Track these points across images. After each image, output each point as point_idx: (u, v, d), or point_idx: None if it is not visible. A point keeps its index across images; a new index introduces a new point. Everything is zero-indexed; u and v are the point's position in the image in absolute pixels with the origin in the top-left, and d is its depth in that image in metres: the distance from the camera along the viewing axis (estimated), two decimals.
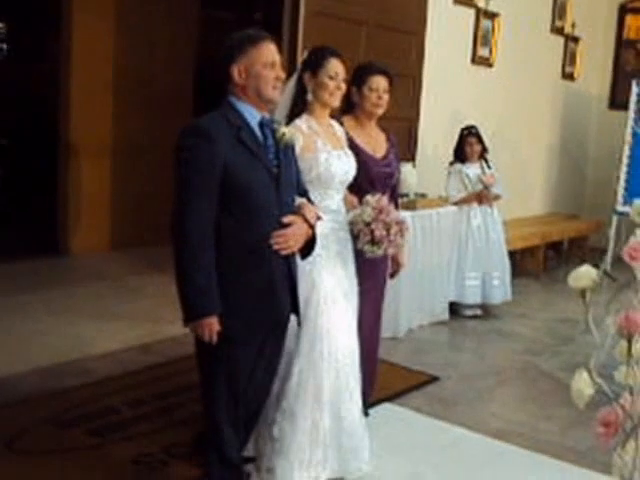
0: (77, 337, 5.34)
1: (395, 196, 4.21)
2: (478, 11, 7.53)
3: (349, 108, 4.02)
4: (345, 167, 3.57)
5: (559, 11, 9.00)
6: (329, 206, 3.52)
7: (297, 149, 3.27)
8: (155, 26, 8.04)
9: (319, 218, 3.19)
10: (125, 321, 5.77)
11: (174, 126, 8.13)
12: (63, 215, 7.74)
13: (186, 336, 5.38)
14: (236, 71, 2.94)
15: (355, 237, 3.55)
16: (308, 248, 3.13)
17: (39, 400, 4.27)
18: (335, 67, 3.58)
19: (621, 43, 10.33)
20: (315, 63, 3.58)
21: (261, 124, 2.99)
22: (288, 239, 2.96)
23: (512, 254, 7.26)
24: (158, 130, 8.08)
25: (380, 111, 4.04)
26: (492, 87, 7.81)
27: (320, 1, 5.77)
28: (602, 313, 1.84)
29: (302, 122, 3.50)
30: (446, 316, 6.44)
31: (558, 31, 9.09)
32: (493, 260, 6.61)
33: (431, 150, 7.26)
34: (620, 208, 8.57)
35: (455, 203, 6.49)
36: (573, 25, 9.27)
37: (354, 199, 3.73)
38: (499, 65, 7.85)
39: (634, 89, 8.57)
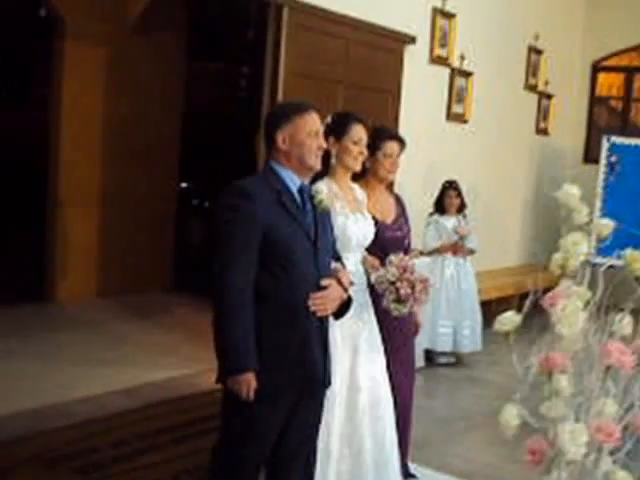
0: (62, 381, 5.53)
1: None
2: (453, 70, 7.85)
3: (361, 174, 4.01)
4: (363, 230, 3.70)
5: (532, 69, 9.35)
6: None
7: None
8: (145, 77, 8.36)
9: (352, 283, 3.30)
10: (108, 367, 5.96)
11: (161, 176, 8.63)
12: (50, 262, 7.96)
13: (167, 381, 5.66)
14: (280, 138, 3.03)
15: (380, 296, 3.61)
16: (341, 311, 3.20)
17: (25, 441, 4.46)
18: (359, 133, 3.72)
19: (594, 100, 10.72)
20: (339, 129, 3.70)
21: (300, 190, 3.08)
22: (325, 301, 3.03)
23: (487, 304, 7.48)
24: (145, 180, 8.36)
25: (393, 177, 4.20)
26: (467, 142, 8.12)
27: (299, 62, 6.04)
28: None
29: (323, 184, 3.54)
30: (421, 363, 6.61)
31: (532, 88, 9.44)
32: (464, 310, 6.85)
33: (407, 204, 7.49)
34: (593, 259, 8.81)
35: (430, 252, 6.74)
36: (546, 83, 9.62)
37: (375, 261, 3.77)
38: (473, 121, 8.17)
39: (604, 144, 8.90)
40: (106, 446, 4.49)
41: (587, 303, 1.98)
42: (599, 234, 2.06)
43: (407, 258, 3.71)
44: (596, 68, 10.60)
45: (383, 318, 3.75)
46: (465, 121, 8.08)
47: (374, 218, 3.89)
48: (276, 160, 3.07)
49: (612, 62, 10.53)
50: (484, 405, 5.82)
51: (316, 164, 3.10)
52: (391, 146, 4.09)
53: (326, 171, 3.92)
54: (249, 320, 2.85)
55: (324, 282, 3.05)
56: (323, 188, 3.39)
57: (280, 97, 5.95)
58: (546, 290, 2.08)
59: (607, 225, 2.07)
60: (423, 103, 7.51)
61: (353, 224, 3.66)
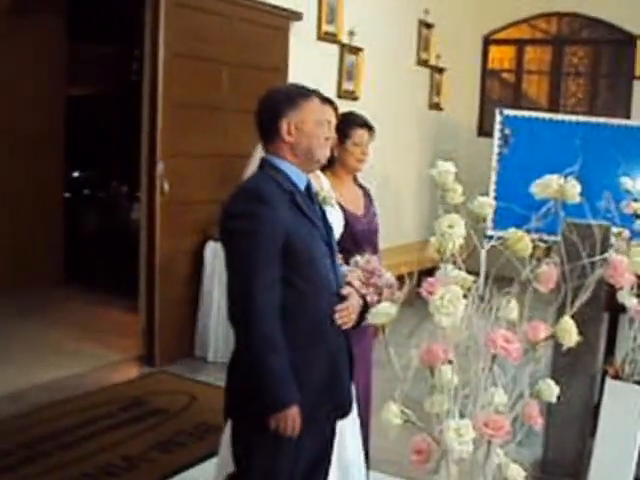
0: None
1: (377, 254, 3.80)
2: (342, 46, 7.68)
3: (328, 163, 3.69)
4: (336, 224, 3.37)
5: (424, 44, 9.28)
6: None
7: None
8: (22, 61, 7.80)
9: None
10: None
11: (45, 165, 8.19)
12: None
13: (53, 383, 5.36)
14: (285, 127, 2.61)
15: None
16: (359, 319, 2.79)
17: None
18: (361, 135, 3.69)
19: (486, 73, 10.73)
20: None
21: (307, 188, 2.73)
22: (350, 312, 2.69)
23: None
24: (26, 170, 7.90)
25: (363, 167, 3.87)
26: None
27: (180, 42, 5.78)
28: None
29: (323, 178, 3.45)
30: None
31: (423, 63, 9.37)
32: None
33: None
34: (490, 232, 8.82)
35: None
36: (438, 57, 9.57)
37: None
38: (365, 98, 8.02)
39: (497, 117, 8.89)
40: None
41: (469, 289, 1.83)
42: (479, 213, 1.90)
43: (374, 259, 3.38)
44: (487, 41, 10.59)
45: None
46: (356, 98, 7.92)
47: (344, 210, 3.63)
48: (277, 154, 2.65)
49: (503, 35, 10.54)
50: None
51: (324, 157, 2.73)
52: (360, 134, 3.78)
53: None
54: (283, 343, 2.50)
55: (344, 291, 2.71)
56: (324, 182, 3.18)
57: (160, 79, 5.68)
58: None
59: (487, 204, 1.91)
60: (312, 81, 7.16)
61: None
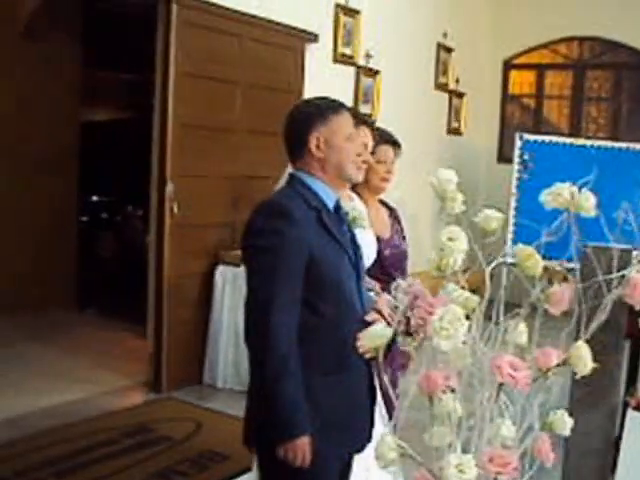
0: None
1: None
2: (358, 69, 7.57)
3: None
4: (368, 249, 3.16)
5: (442, 68, 9.16)
6: None
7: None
8: (35, 85, 7.78)
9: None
10: None
11: (59, 189, 8.11)
12: None
13: (54, 408, 5.22)
14: (314, 142, 2.49)
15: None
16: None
17: None
18: (386, 151, 3.47)
19: (506, 98, 10.59)
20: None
21: (336, 207, 2.58)
22: None
23: None
24: (38, 200, 7.83)
25: (387, 186, 3.62)
26: None
27: (191, 62, 5.68)
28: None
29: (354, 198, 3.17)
30: None
31: (442, 87, 9.24)
32: None
33: None
34: (509, 259, 8.65)
35: None
36: (457, 81, 9.44)
37: (375, 285, 3.27)
38: (381, 121, 7.87)
39: (517, 142, 8.74)
40: None
41: (473, 310, 1.67)
42: (486, 228, 1.74)
43: (418, 282, 3.18)
44: (508, 65, 10.46)
45: None
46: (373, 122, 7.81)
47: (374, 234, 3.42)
48: (306, 170, 2.52)
49: (523, 60, 10.40)
50: None
51: (355, 174, 2.58)
52: (385, 150, 3.56)
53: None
54: (299, 369, 2.35)
55: (370, 317, 2.51)
56: (357, 203, 2.98)
57: (170, 98, 5.57)
58: None
59: (495, 217, 1.76)
60: None
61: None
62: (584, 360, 1.71)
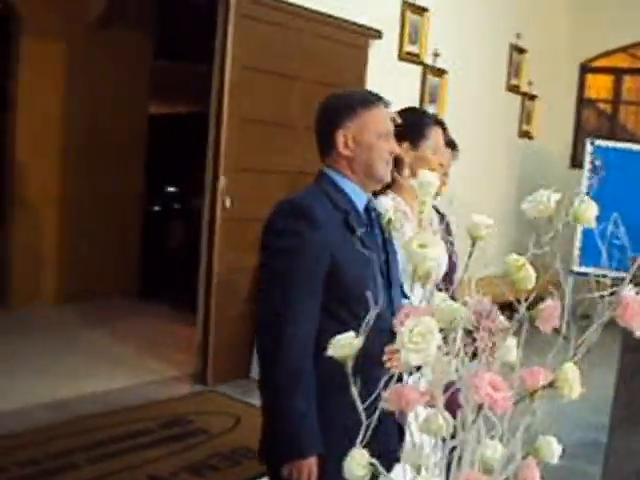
0: None
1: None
2: (425, 68, 7.45)
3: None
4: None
5: (515, 69, 8.95)
6: None
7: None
8: (108, 76, 7.94)
9: None
10: (45, 377, 5.56)
11: (127, 177, 8.25)
12: (6, 266, 7.59)
13: (100, 394, 5.27)
14: (342, 139, 2.35)
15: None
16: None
17: None
18: (439, 138, 3.07)
19: (582, 102, 10.31)
20: (416, 132, 2.95)
21: (367, 208, 2.42)
22: None
23: None
24: (110, 182, 8.01)
25: (443, 190, 3.15)
26: None
27: (250, 55, 5.66)
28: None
29: (387, 201, 2.76)
30: None
31: (514, 89, 9.03)
32: None
33: None
34: (576, 268, 8.43)
35: None
36: (530, 83, 9.21)
37: None
38: (449, 122, 7.66)
39: (588, 148, 8.50)
40: (12, 465, 4.10)
41: (451, 322, 1.59)
42: (474, 234, 1.66)
43: (487, 300, 2.80)
44: (585, 69, 10.17)
45: None
46: None
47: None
48: (335, 168, 2.38)
49: (600, 63, 10.10)
50: None
51: (387, 174, 2.43)
52: (438, 134, 3.13)
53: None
54: (312, 384, 2.19)
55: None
56: (391, 205, 2.68)
57: (226, 92, 5.57)
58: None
59: (481, 225, 1.67)
60: (392, 102, 7.10)
61: None
62: (570, 384, 1.60)
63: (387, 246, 2.46)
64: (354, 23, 6.45)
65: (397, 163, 2.84)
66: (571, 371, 1.63)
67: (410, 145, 2.95)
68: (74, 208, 7.88)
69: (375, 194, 2.66)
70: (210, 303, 5.73)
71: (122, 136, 8.24)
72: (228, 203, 5.63)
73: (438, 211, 3.50)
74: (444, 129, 3.10)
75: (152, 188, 9.64)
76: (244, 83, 5.67)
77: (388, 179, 2.49)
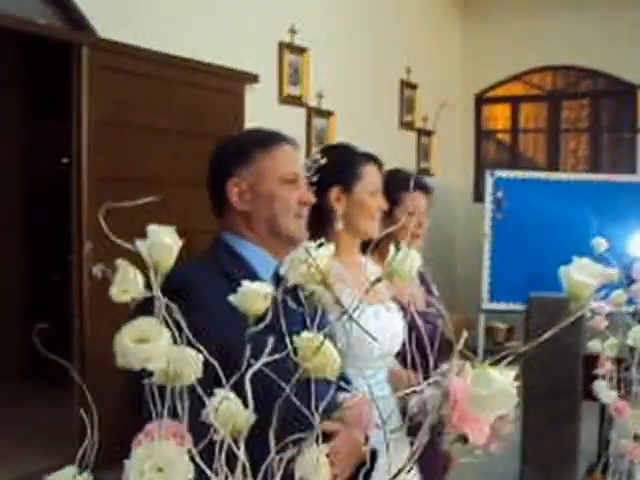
0: None
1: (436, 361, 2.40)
2: (309, 110, 7.10)
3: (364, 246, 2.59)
4: (389, 330, 2.35)
5: (407, 105, 8.67)
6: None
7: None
8: None
9: (377, 426, 1.57)
10: None
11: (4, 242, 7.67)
12: None
13: None
14: (235, 190, 1.92)
15: (434, 432, 1.77)
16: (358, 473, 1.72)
17: None
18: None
19: (481, 134, 10.09)
20: (346, 172, 2.41)
21: (276, 276, 1.75)
22: (334, 462, 1.42)
23: None
24: None
25: (419, 244, 2.84)
26: None
27: (108, 109, 5.19)
28: None
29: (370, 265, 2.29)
30: None
31: (408, 126, 8.75)
32: None
33: None
34: (485, 305, 8.11)
35: None
36: (424, 119, 8.95)
37: (409, 375, 2.12)
38: None
39: (488, 179, 8.24)
40: None
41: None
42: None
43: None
44: (480, 100, 9.96)
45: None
46: None
47: (400, 304, 2.48)
48: (231, 228, 1.95)
49: (495, 93, 9.90)
50: None
51: (299, 231, 1.95)
52: (416, 198, 2.88)
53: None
54: None
55: (327, 426, 1.51)
56: (375, 269, 2.17)
57: (84, 152, 5.08)
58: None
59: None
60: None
61: (373, 320, 2.29)
62: None
63: (307, 325, 1.87)
64: (228, 69, 6.04)
65: (328, 215, 2.40)
66: None
67: (341, 190, 2.42)
68: None
69: None
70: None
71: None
72: (96, 271, 5.10)
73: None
74: (379, 166, 2.52)
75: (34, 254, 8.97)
76: (105, 140, 5.20)
77: (302, 237, 1.95)
